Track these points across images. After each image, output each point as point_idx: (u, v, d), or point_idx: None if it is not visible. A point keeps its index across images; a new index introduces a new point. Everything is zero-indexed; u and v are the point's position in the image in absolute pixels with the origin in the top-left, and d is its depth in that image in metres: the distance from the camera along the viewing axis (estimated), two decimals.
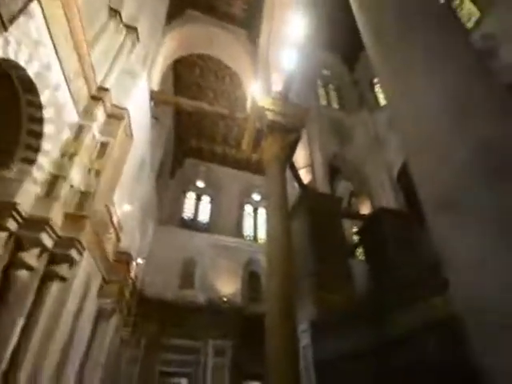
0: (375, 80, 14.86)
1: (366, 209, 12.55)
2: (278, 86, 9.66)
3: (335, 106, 15.68)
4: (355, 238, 12.07)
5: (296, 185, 9.76)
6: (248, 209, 17.91)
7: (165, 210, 14.99)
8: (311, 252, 7.97)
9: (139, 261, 10.46)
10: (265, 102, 8.50)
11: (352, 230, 12.98)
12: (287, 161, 8.69)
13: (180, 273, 13.28)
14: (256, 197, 18.38)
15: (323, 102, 15.40)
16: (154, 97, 9.15)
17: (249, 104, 9.55)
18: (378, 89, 15.02)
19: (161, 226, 13.93)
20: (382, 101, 14.48)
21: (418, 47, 2.30)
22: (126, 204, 7.63)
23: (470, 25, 11.13)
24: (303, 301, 7.09)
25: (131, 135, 6.78)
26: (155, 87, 9.61)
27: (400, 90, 2.43)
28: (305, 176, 10.36)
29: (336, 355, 5.61)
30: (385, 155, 13.01)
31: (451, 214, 1.81)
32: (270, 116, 8.29)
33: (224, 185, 17.90)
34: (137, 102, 7.22)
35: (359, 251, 12.20)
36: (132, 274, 9.62)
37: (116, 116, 6.14)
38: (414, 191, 2.27)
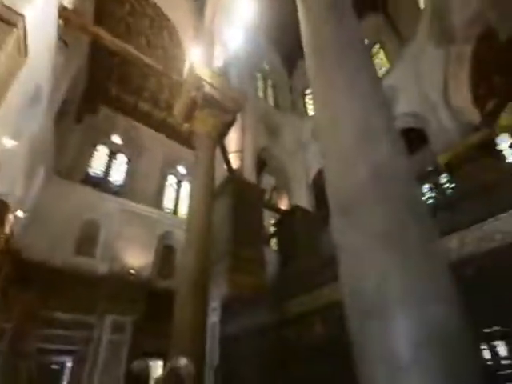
0: (307, 91, 16.40)
1: (284, 204, 13.74)
2: (219, 62, 9.37)
3: (270, 102, 16.35)
4: (272, 228, 13.01)
5: (225, 167, 9.86)
6: (171, 180, 16.78)
7: (65, 161, 12.78)
8: (230, 234, 8.30)
9: (19, 213, 8.67)
10: (204, 72, 8.12)
11: (270, 221, 13.87)
12: (219, 140, 8.69)
13: (77, 236, 11.41)
14: (181, 169, 17.23)
15: (260, 94, 15.84)
16: (63, 15, 7.51)
17: (187, 68, 9.01)
18: (308, 99, 16.69)
19: (59, 178, 11.77)
20: (310, 111, 16.04)
21: (343, 71, 2.74)
22: (7, 139, 6.21)
23: (381, 73, 13.25)
24: (217, 280, 7.41)
25: (25, 53, 5.35)
26: (68, 4, 7.93)
27: (323, 103, 2.86)
28: (234, 161, 10.57)
29: (241, 331, 6.14)
30: (305, 159, 14.37)
31: (347, 218, 2.24)
32: (207, 89, 8.00)
33: (146, 147, 16.05)
34: (39, 13, 5.74)
35: (273, 241, 13.22)
36: (7, 229, 7.99)
37: (6, 21, 4.64)
38: (324, 195, 2.69)
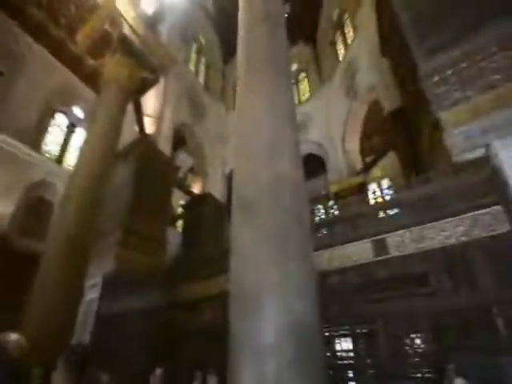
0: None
1: (197, 188, 13.75)
2: (148, 8, 8.30)
3: (201, 80, 16.04)
4: (180, 210, 12.79)
5: (136, 128, 9.18)
6: (61, 120, 13.40)
7: None
8: (128, 205, 7.64)
9: None
10: (127, 10, 7.09)
11: (180, 201, 13.58)
12: (134, 96, 7.95)
13: None
14: (78, 111, 13.94)
15: (191, 68, 15.43)
16: None
17: None
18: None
19: None
20: None
21: (267, 81, 3.19)
22: None
23: (303, 98, 15.22)
24: (103, 253, 6.89)
25: None
26: None
27: (243, 106, 3.25)
28: (149, 126, 10.03)
29: (125, 311, 5.93)
30: (225, 150, 14.82)
31: (245, 215, 2.60)
32: (126, 31, 7.11)
33: (30, 68, 12.19)
34: None
35: (180, 223, 13.03)
36: None
37: None
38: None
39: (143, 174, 8.16)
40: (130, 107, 8.02)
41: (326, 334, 3.74)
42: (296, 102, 15.93)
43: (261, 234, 2.47)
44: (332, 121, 13.15)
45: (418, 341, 3.22)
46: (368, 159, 11.56)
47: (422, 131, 5.74)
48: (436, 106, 4.59)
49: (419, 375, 2.97)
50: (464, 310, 3.07)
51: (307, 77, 16.35)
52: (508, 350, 2.73)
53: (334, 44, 14.67)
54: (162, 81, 8.99)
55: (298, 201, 2.71)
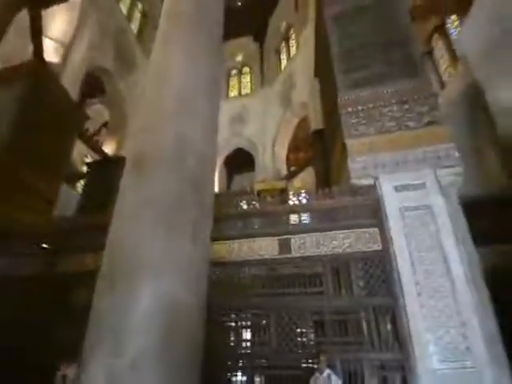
0: None
1: (110, 148, 11.40)
2: None
3: (134, 28, 13.77)
4: (85, 168, 10.21)
5: (30, 49, 6.92)
6: None
7: None
8: (5, 143, 5.88)
9: None
10: None
11: (84, 158, 10.90)
12: (32, 7, 6.40)
13: None
14: None
15: (123, 10, 13.12)
16: None
17: None
18: None
19: None
20: None
21: (186, 34, 2.95)
22: None
23: (244, 92, 15.38)
24: None
25: None
26: None
27: (157, 56, 3.05)
28: (51, 52, 7.75)
29: None
30: None
31: (136, 174, 2.38)
32: None
33: None
34: None
35: (81, 182, 10.37)
36: None
37: None
38: None
39: (32, 107, 6.22)
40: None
41: (233, 323, 3.81)
42: (237, 93, 15.56)
43: (150, 199, 2.19)
44: (266, 123, 13.56)
45: (303, 334, 3.69)
46: (292, 169, 12.45)
47: (334, 153, 6.57)
48: (346, 133, 5.37)
49: (303, 365, 3.41)
50: (342, 310, 3.71)
51: (251, 73, 16.28)
52: (367, 347, 3.47)
53: (278, 52, 15.13)
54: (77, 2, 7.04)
55: (203, 171, 2.52)
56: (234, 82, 16.35)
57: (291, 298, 3.86)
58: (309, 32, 11.09)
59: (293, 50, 13.88)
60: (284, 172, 12.38)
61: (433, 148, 4.70)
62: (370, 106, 5.45)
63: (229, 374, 3.53)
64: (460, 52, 7.26)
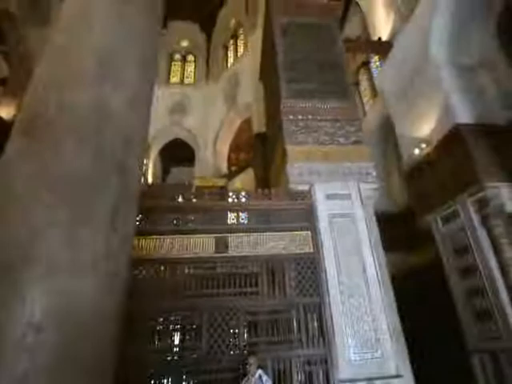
0: None
1: (6, 112, 8.80)
2: None
3: None
4: None
5: None
6: None
7: None
8: None
9: None
10: None
11: None
12: None
13: None
14: None
15: None
16: None
17: None
18: None
19: None
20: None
21: None
22: None
23: (186, 81, 14.64)
24: None
25: None
26: None
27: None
28: None
29: None
30: None
31: (27, 143, 1.86)
32: None
33: None
34: None
35: None
36: None
37: None
38: None
39: None
40: None
41: (161, 327, 3.41)
42: (179, 80, 14.47)
43: (49, 176, 1.72)
44: (209, 118, 12.89)
45: (236, 336, 3.61)
46: (233, 169, 12.28)
47: (274, 157, 6.72)
48: (286, 139, 5.62)
49: (235, 367, 3.32)
50: (275, 310, 3.80)
51: (195, 62, 15.29)
52: (296, 345, 3.64)
53: (226, 48, 14.63)
54: None
55: (128, 152, 2.09)
56: (176, 67, 15.35)
57: (226, 298, 3.77)
58: (257, 36, 11.19)
59: (240, 50, 13.80)
60: (225, 171, 12.17)
61: (357, 164, 5.34)
62: (310, 117, 5.87)
63: (154, 382, 3.18)
64: (379, 88, 8.50)
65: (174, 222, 4.06)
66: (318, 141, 5.62)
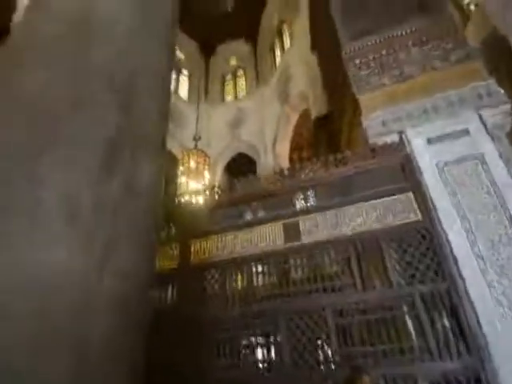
0: None
1: None
2: None
3: None
4: None
5: None
6: None
7: None
8: None
9: None
10: None
11: None
12: None
13: None
14: None
15: None
16: None
17: None
18: None
19: None
20: None
21: None
22: None
23: (240, 94, 15.17)
24: None
25: None
26: None
27: None
28: None
29: None
30: None
31: None
32: None
33: None
34: None
35: None
36: None
37: None
38: None
39: None
40: None
41: (229, 339, 2.99)
42: (233, 97, 15.53)
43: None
44: (265, 123, 13.33)
45: (324, 345, 2.83)
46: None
47: (342, 131, 5.83)
48: (356, 89, 4.56)
49: None
50: (376, 307, 2.82)
51: (245, 75, 16.23)
52: (419, 355, 2.56)
53: (272, 49, 14.84)
54: None
55: (133, 81, 1.61)
56: (229, 86, 16.27)
57: (306, 297, 3.02)
58: (301, 21, 10.77)
59: (287, 43, 13.41)
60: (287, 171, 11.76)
61: (470, 87, 3.82)
62: (383, 52, 4.64)
63: None
64: None
65: (235, 214, 3.62)
66: (402, 75, 4.34)
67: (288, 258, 3.25)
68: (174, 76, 15.34)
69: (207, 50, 15.94)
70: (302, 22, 10.56)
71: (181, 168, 7.34)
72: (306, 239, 3.29)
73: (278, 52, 14.40)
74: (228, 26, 15.28)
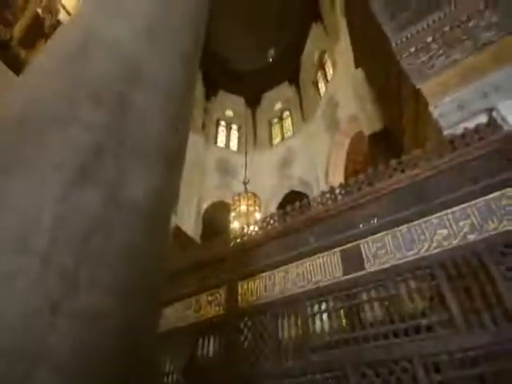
0: None
1: None
2: None
3: None
4: None
5: None
6: None
7: None
8: None
9: None
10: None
11: None
12: None
13: None
14: None
15: None
16: None
17: None
18: None
19: None
20: None
21: None
22: None
23: (287, 135, 16.22)
24: None
25: None
26: None
27: None
28: None
29: None
30: (202, 186, 14.19)
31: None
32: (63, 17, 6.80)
33: None
34: None
35: None
36: None
37: None
38: None
39: None
40: None
41: None
42: (280, 139, 16.17)
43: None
44: (315, 156, 13.24)
45: None
46: None
47: (402, 140, 5.04)
48: (417, 79, 3.85)
49: None
50: (493, 355, 1.88)
51: (291, 115, 16.98)
52: None
53: (315, 83, 15.24)
54: None
55: (131, 81, 1.45)
56: (276, 130, 16.81)
57: (381, 342, 2.27)
58: (342, 44, 10.57)
59: (330, 74, 13.38)
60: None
61: None
62: (446, 29, 3.88)
63: None
64: None
65: (283, 247, 3.20)
66: (476, 45, 3.48)
67: (349, 292, 2.59)
68: (224, 132, 16.70)
69: (253, 101, 16.96)
70: (344, 45, 10.40)
71: (232, 214, 7.34)
72: (370, 267, 2.61)
73: (321, 84, 14.61)
74: (271, 74, 16.31)
